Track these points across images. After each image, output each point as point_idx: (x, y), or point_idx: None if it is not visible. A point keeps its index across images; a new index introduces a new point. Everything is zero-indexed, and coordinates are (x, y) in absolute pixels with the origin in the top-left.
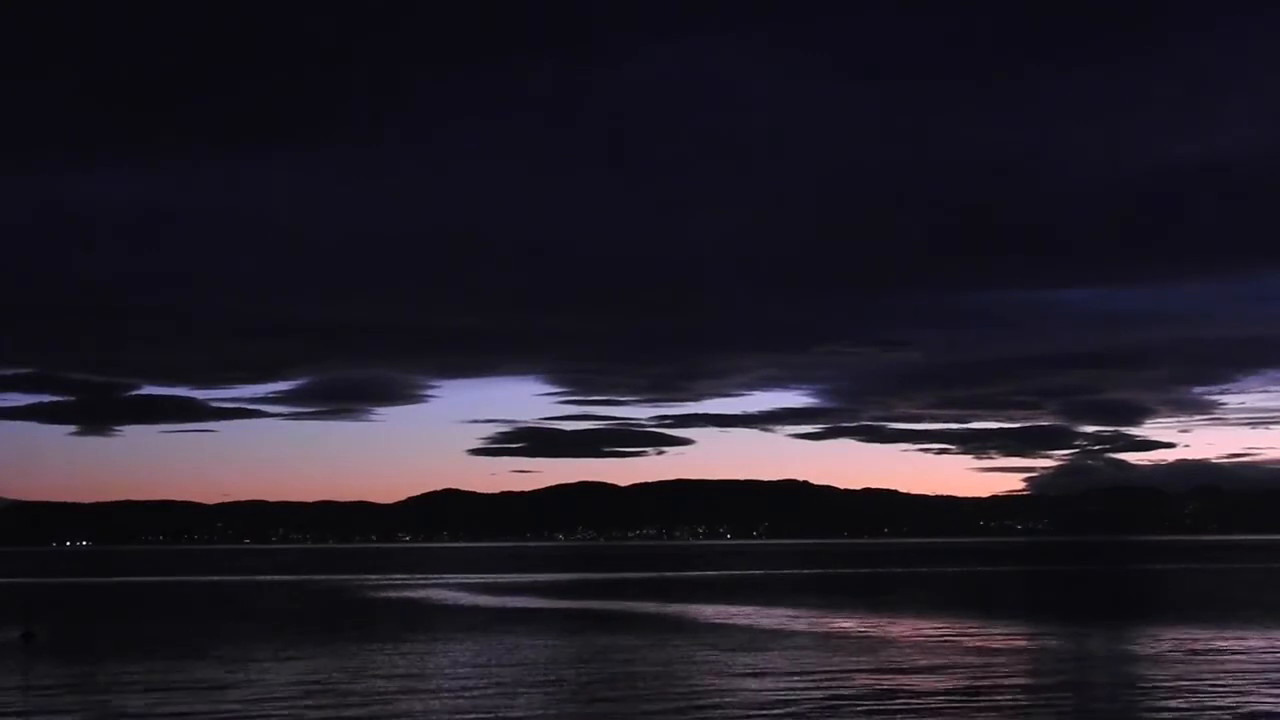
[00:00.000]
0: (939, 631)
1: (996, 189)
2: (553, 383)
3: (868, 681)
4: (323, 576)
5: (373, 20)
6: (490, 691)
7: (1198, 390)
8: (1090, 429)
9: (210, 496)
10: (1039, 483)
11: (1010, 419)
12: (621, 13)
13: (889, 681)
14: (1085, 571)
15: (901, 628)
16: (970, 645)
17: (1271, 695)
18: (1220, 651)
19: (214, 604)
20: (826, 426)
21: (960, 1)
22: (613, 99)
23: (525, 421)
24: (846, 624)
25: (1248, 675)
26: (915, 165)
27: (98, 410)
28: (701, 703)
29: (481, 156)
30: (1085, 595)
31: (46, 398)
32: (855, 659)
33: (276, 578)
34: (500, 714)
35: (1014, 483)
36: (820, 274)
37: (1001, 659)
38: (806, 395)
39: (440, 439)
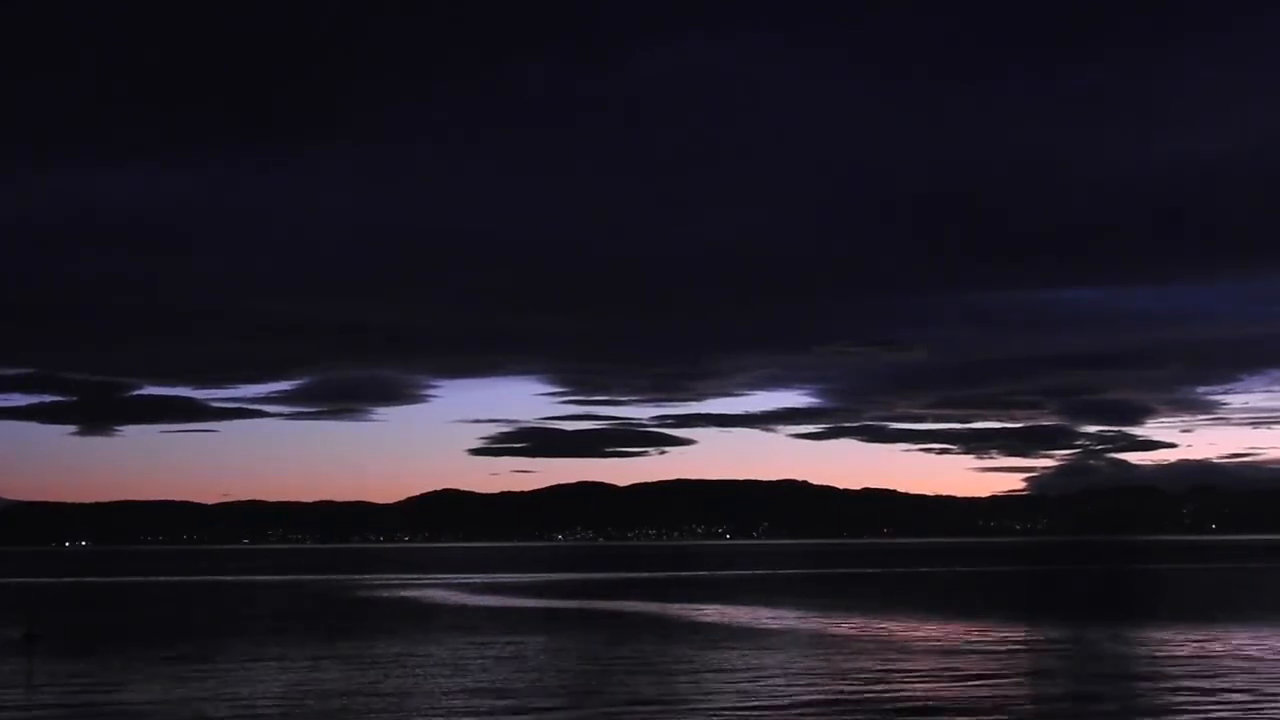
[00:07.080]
0: (937, 631)
1: (997, 189)
2: (553, 383)
3: (862, 681)
4: (322, 577)
5: (374, 21)
6: (476, 689)
7: (1200, 390)
8: (1092, 429)
9: (210, 496)
10: (1039, 483)
11: (1011, 419)
12: (621, 11)
13: (884, 681)
14: (1085, 571)
15: (900, 628)
16: (968, 645)
17: (1273, 694)
18: (1220, 650)
19: (214, 604)
20: (827, 426)
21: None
22: (613, 99)
23: (525, 421)
24: (844, 624)
25: (1248, 674)
26: (916, 165)
27: (98, 410)
28: (691, 700)
29: (481, 156)
30: (1085, 595)
31: (46, 398)
32: (851, 659)
33: (275, 577)
34: (485, 711)
35: (1014, 483)
36: (821, 274)
37: (1000, 659)
38: (807, 395)
39: (440, 439)
